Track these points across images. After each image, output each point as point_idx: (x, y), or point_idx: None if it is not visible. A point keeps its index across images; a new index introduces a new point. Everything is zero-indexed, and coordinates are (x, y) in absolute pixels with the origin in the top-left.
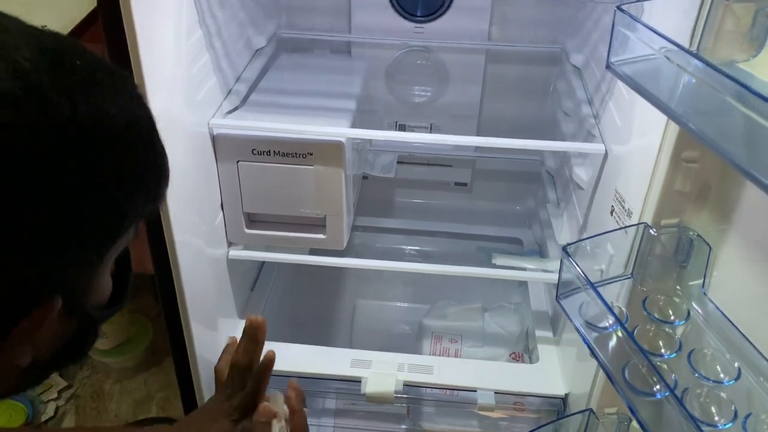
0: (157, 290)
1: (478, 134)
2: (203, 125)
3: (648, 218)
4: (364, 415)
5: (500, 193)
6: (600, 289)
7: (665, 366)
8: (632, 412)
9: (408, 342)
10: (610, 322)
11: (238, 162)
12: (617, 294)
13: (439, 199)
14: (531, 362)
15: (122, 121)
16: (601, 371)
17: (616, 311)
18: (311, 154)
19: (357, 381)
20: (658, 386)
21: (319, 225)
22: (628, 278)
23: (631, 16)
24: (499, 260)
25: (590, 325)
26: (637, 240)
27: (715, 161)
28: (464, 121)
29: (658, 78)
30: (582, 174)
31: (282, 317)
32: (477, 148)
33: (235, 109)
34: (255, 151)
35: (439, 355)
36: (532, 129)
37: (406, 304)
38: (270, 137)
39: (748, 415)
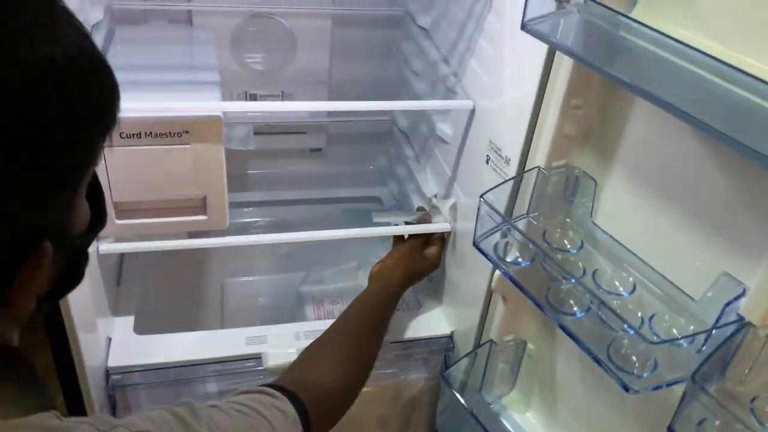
0: None
1: (330, 99)
2: None
3: (541, 162)
4: None
5: (354, 155)
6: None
7: (580, 287)
8: (562, 328)
9: (288, 313)
10: (526, 256)
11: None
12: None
13: (295, 166)
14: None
15: (66, 56)
16: (497, 308)
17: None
18: (187, 132)
19: (257, 358)
20: (577, 306)
21: (198, 206)
22: (525, 217)
23: None
24: (379, 218)
25: (504, 261)
26: (531, 182)
27: (596, 107)
28: (315, 86)
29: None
30: (446, 129)
31: (157, 309)
32: (330, 113)
33: None
34: (123, 135)
35: (325, 319)
36: (381, 90)
37: (276, 276)
38: (139, 118)
39: (652, 317)
